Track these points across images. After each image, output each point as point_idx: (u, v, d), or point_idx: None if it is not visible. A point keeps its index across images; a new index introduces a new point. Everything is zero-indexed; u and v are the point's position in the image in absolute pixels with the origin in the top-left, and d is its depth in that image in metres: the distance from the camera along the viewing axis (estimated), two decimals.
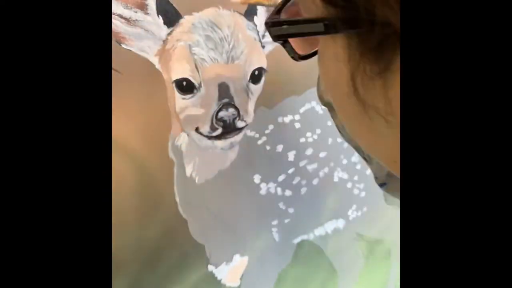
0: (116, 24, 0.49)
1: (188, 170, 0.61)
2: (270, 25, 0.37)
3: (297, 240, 0.79)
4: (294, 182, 0.74)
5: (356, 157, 0.82)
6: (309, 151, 0.75)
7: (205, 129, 0.56)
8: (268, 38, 0.62)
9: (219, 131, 0.56)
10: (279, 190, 0.72)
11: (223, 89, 0.55)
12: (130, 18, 0.50)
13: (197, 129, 0.57)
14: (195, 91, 0.55)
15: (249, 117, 0.58)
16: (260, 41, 0.59)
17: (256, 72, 0.58)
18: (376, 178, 0.51)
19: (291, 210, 0.76)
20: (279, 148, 0.70)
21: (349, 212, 0.86)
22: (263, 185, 0.70)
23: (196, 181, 0.62)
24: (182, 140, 0.60)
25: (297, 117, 0.72)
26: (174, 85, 0.55)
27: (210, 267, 0.68)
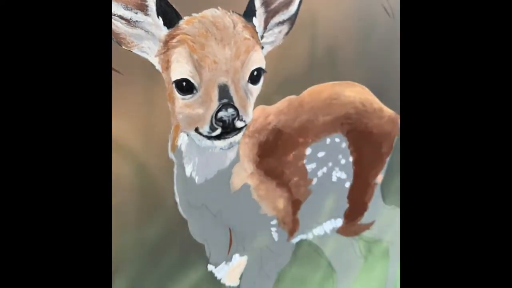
0: (117, 25, 0.50)
1: (188, 170, 0.61)
2: None
3: (296, 240, 0.79)
4: (293, 182, 0.75)
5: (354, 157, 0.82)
6: (308, 151, 0.75)
7: (205, 129, 0.56)
8: (266, 38, 0.62)
9: (219, 131, 0.56)
10: (278, 190, 0.72)
11: (223, 90, 0.55)
12: (130, 19, 0.50)
13: (196, 129, 0.57)
14: (194, 91, 0.55)
15: (248, 117, 0.58)
16: (259, 41, 0.60)
17: (255, 73, 0.58)
18: None
19: (289, 210, 0.76)
20: (279, 147, 0.70)
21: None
22: (262, 185, 0.70)
23: (196, 181, 0.62)
24: (182, 140, 0.60)
25: None
26: (174, 85, 0.55)
27: (210, 267, 0.69)
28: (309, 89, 0.71)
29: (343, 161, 0.81)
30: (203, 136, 0.57)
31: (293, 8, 0.62)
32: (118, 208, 0.55)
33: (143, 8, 0.50)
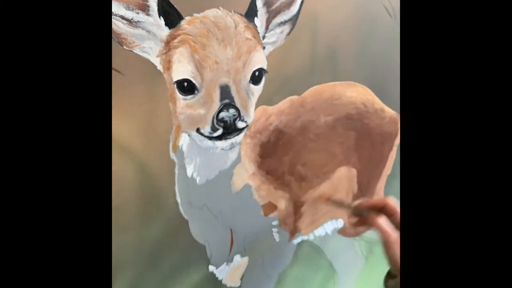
0: (118, 25, 0.49)
1: (189, 170, 0.61)
2: None
3: (297, 241, 0.79)
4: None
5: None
6: None
7: (206, 129, 0.56)
8: (268, 39, 0.62)
9: (220, 131, 0.56)
10: (279, 190, 0.72)
11: (224, 90, 0.55)
12: (131, 19, 0.50)
13: (198, 130, 0.57)
14: (196, 91, 0.55)
15: (250, 118, 0.58)
16: (260, 42, 0.60)
17: (257, 73, 0.58)
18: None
19: (291, 210, 0.76)
20: (280, 148, 0.70)
21: None
22: (264, 186, 0.70)
23: (197, 181, 0.62)
24: (183, 140, 0.60)
25: None
26: (175, 86, 0.55)
27: (211, 268, 0.69)
28: (311, 89, 0.71)
29: None
30: (205, 136, 0.57)
31: (294, 8, 0.62)
32: (118, 208, 0.55)
33: (144, 8, 0.50)
